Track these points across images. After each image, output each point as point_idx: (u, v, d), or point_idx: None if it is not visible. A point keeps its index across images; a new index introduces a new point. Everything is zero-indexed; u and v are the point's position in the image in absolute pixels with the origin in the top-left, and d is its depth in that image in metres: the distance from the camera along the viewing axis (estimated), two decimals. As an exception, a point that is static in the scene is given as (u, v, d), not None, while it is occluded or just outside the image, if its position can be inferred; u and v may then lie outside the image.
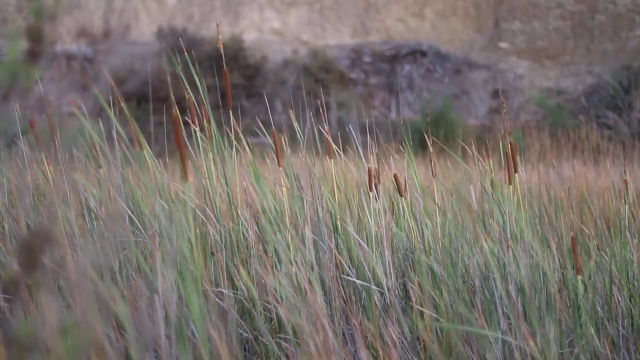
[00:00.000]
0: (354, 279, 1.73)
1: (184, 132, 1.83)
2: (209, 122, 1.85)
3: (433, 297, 1.66)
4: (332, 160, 1.95)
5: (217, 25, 1.93)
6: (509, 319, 1.63)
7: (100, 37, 16.42)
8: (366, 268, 1.73)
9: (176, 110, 1.52)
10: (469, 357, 1.56)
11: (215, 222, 1.78)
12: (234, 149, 1.87)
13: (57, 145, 1.79)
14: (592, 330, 1.60)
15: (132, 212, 1.79)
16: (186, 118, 1.79)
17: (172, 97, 1.40)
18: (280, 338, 1.57)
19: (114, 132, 1.72)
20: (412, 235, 1.87)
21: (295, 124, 1.94)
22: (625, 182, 2.13)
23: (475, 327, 1.47)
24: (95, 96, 1.45)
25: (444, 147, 2.04)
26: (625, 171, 2.15)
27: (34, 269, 0.64)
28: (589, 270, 1.92)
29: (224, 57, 1.85)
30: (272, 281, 1.44)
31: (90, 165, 1.93)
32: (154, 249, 1.24)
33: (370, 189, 1.83)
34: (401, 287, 1.82)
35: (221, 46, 1.87)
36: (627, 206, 2.11)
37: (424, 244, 1.85)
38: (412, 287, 1.77)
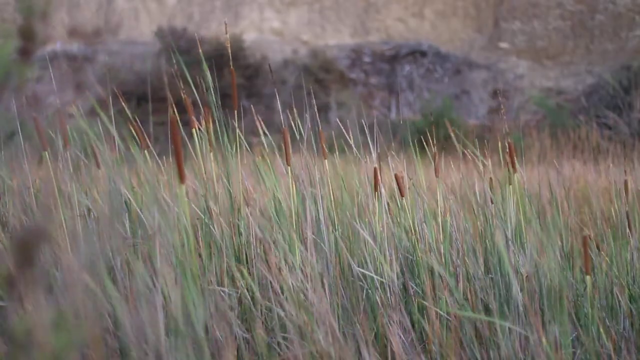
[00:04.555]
0: (362, 270, 1.73)
1: (182, 133, 1.82)
2: (210, 122, 1.84)
3: (438, 295, 1.65)
4: (328, 159, 1.95)
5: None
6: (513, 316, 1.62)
7: (99, 37, 16.42)
8: (370, 266, 1.73)
9: (174, 112, 1.52)
10: (477, 352, 1.56)
11: (216, 220, 1.77)
12: (228, 149, 1.87)
13: (63, 144, 1.79)
14: (595, 330, 1.59)
15: (130, 212, 1.79)
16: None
17: (170, 97, 1.40)
18: (282, 338, 1.57)
19: (113, 132, 1.71)
20: (412, 235, 1.87)
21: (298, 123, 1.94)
22: (625, 182, 2.13)
23: (483, 319, 1.46)
24: (93, 96, 1.44)
25: (445, 147, 2.03)
26: (625, 171, 2.15)
27: (29, 266, 0.64)
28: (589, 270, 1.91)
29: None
30: (280, 276, 1.43)
31: (89, 165, 1.92)
32: (153, 247, 1.24)
33: (376, 189, 1.83)
34: (402, 286, 1.82)
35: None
36: (626, 206, 2.11)
37: (425, 244, 1.84)
38: (412, 287, 1.76)
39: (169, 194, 1.66)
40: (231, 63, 1.85)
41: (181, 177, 1.20)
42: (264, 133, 1.91)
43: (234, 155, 1.85)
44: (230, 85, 1.86)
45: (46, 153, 1.76)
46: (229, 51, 1.85)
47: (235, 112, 1.86)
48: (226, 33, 1.86)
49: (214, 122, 1.85)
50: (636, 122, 11.98)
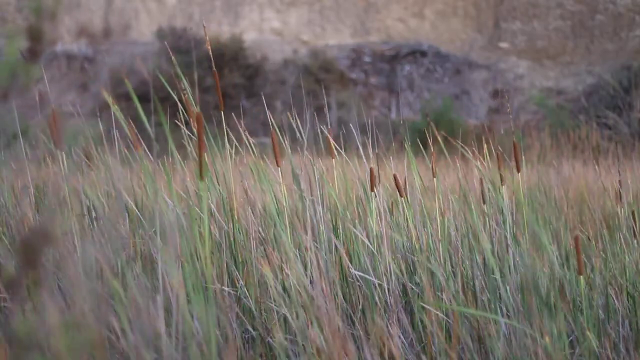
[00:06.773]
0: (359, 273, 1.73)
1: (184, 133, 1.83)
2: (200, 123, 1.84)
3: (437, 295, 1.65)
4: (332, 159, 1.95)
5: (201, 34, 1.93)
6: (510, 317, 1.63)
7: (100, 37, 16.41)
8: (369, 267, 1.73)
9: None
10: (474, 351, 1.56)
11: (219, 220, 1.78)
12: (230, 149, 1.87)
13: (61, 144, 1.79)
14: (593, 331, 1.60)
15: (133, 211, 1.79)
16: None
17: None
18: (283, 338, 1.57)
19: (114, 132, 1.72)
20: (411, 236, 1.87)
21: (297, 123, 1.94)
22: (620, 182, 2.13)
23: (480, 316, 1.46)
24: (94, 96, 1.45)
25: (445, 145, 2.04)
26: (619, 172, 2.15)
27: (34, 267, 0.64)
28: (588, 270, 1.92)
29: (211, 58, 1.84)
30: (290, 266, 1.43)
31: (91, 165, 1.92)
32: (156, 247, 1.24)
33: (372, 189, 1.84)
34: (401, 287, 1.82)
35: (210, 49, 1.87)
36: (625, 207, 2.11)
37: (423, 245, 1.85)
38: (411, 288, 1.77)
39: (168, 194, 1.66)
40: (213, 65, 1.85)
41: (201, 174, 1.21)
42: (264, 133, 1.91)
43: (223, 156, 1.86)
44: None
45: (47, 155, 1.77)
46: (210, 52, 1.85)
47: (222, 112, 1.86)
48: (205, 35, 1.86)
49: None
50: (636, 122, 11.98)
